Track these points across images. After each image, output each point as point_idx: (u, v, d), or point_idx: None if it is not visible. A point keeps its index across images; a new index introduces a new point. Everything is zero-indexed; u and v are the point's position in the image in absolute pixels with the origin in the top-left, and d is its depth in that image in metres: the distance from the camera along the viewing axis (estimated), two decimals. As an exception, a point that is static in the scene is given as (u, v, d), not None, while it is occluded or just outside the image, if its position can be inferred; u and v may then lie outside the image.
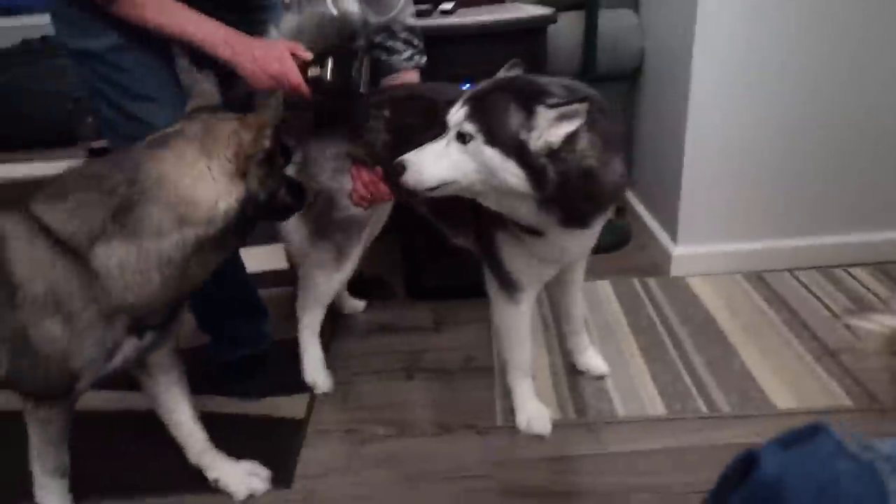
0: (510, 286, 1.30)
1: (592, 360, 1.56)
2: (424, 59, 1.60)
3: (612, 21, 2.10)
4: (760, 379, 1.50)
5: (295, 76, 1.26)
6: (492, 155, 1.01)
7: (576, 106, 0.96)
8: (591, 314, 1.80)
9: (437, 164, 1.04)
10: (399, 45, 1.56)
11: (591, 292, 1.91)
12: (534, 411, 1.41)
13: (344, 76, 1.28)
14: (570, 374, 1.57)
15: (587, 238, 1.22)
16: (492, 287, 1.35)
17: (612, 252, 2.16)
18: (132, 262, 0.97)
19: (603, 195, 1.09)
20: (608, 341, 1.68)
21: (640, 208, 2.27)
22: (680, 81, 1.83)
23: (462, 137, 1.03)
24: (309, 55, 1.29)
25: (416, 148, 1.08)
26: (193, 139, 1.02)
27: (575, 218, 1.10)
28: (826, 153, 1.86)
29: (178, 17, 1.22)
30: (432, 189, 1.06)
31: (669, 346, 1.65)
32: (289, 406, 1.48)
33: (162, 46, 1.26)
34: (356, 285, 1.96)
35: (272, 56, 1.25)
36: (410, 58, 1.57)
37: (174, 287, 1.02)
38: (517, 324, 1.35)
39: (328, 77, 1.27)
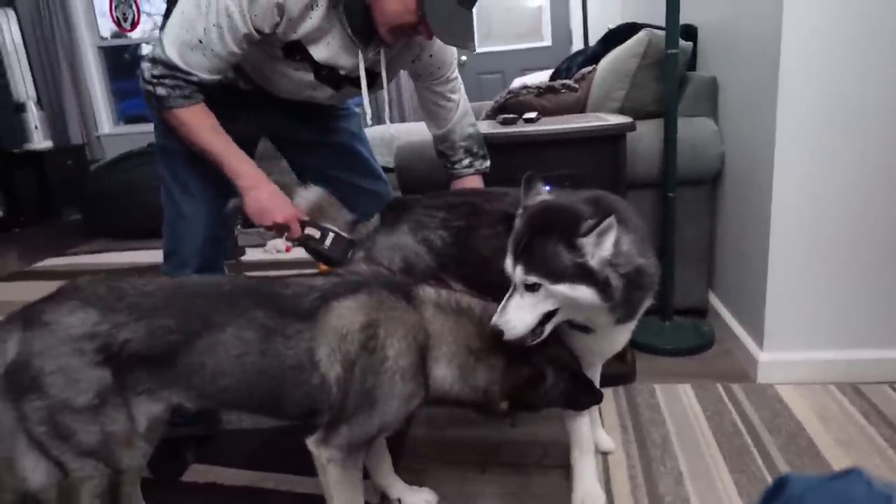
0: None
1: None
2: (487, 163, 1.77)
3: (691, 128, 2.16)
4: (859, 498, 1.40)
5: (296, 232, 1.50)
6: (563, 289, 1.12)
7: (605, 223, 1.08)
8: (670, 418, 1.75)
9: (522, 316, 1.15)
10: (459, 154, 1.75)
11: (671, 395, 1.86)
12: (590, 489, 1.41)
13: (336, 254, 1.52)
14: (649, 476, 1.52)
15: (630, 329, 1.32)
16: None
17: (693, 356, 2.12)
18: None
19: (652, 284, 1.21)
20: (689, 446, 1.62)
21: (724, 311, 2.22)
22: (762, 186, 1.84)
23: (532, 287, 1.14)
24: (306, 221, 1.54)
25: (465, 248, 1.32)
26: None
27: (630, 313, 1.22)
28: (925, 258, 1.78)
29: (218, 141, 1.46)
30: (531, 334, 1.17)
31: (756, 456, 1.57)
32: (363, 491, 1.50)
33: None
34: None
35: (284, 207, 1.48)
36: (470, 164, 1.75)
37: None
38: None
39: (325, 245, 1.52)
